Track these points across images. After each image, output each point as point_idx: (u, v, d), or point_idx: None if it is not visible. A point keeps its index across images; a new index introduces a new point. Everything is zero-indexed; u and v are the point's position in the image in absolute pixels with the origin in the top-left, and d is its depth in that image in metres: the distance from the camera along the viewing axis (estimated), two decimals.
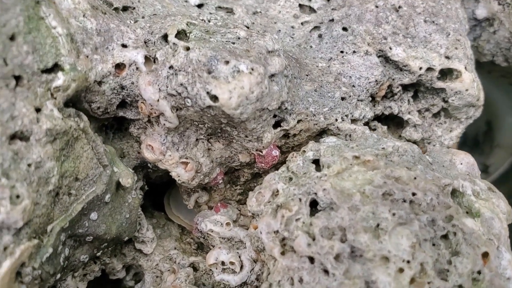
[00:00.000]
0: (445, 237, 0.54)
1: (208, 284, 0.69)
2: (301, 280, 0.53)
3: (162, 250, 0.71)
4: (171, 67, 0.57)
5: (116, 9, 0.66)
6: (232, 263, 0.62)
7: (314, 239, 0.53)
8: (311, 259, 0.53)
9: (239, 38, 0.60)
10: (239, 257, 0.62)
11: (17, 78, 0.48)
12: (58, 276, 0.56)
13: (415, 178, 0.57)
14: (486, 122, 1.54)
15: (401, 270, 0.51)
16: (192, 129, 0.63)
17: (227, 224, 0.66)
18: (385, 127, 0.76)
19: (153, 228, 0.73)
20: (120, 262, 0.69)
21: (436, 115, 0.77)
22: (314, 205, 0.56)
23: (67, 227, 0.54)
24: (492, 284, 0.52)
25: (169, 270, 0.69)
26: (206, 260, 0.63)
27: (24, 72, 0.49)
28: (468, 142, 1.55)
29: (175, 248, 0.71)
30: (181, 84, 0.56)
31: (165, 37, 0.60)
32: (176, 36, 0.59)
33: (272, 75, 0.60)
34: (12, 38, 0.48)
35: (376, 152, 0.60)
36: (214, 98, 0.55)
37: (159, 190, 0.77)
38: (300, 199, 0.56)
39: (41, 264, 0.51)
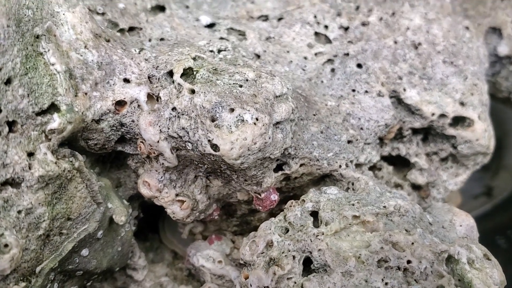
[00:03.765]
0: None
1: None
2: None
3: (153, 276, 0.70)
4: (174, 108, 0.55)
5: (121, 30, 0.64)
6: None
7: None
8: None
9: (247, 80, 0.58)
10: None
11: (11, 124, 0.47)
12: None
13: (412, 243, 0.55)
14: (496, 138, 1.51)
15: None
16: (192, 167, 0.61)
17: (219, 261, 0.65)
18: (391, 167, 0.74)
19: (146, 250, 0.72)
20: (111, 286, 0.69)
21: (443, 160, 0.75)
22: (308, 263, 0.55)
23: (56, 267, 0.53)
24: None
25: None
26: None
27: (18, 117, 0.47)
28: None
29: (166, 275, 0.71)
30: (183, 128, 0.55)
31: (170, 73, 0.58)
32: (182, 74, 0.57)
33: (278, 123, 0.58)
34: (7, 82, 0.46)
35: (377, 211, 0.58)
36: (215, 147, 0.54)
37: (155, 212, 0.76)
38: (294, 257, 0.55)
39: None
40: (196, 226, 0.71)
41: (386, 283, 0.53)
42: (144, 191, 0.61)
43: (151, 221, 0.77)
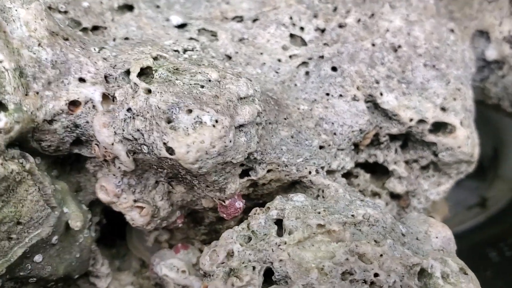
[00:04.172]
0: None
1: None
2: None
3: (118, 284, 0.67)
4: (129, 109, 0.53)
5: (85, 29, 0.61)
6: None
7: None
8: None
9: (210, 80, 0.56)
10: None
11: None
12: None
13: (381, 255, 0.52)
14: (492, 148, 1.48)
15: None
16: (152, 171, 0.58)
17: (183, 271, 0.62)
18: (368, 175, 0.71)
19: (112, 257, 0.69)
20: None
21: (424, 168, 0.72)
22: (269, 275, 0.52)
23: (4, 273, 0.51)
24: None
25: None
26: None
27: None
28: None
29: (132, 284, 0.68)
30: (138, 130, 0.52)
31: (127, 72, 0.55)
32: (139, 73, 0.54)
33: (241, 126, 0.55)
34: None
35: (345, 220, 0.55)
36: (171, 150, 0.51)
37: (123, 218, 0.73)
38: (253, 268, 0.52)
39: None
40: (162, 234, 0.69)
41: None
42: (102, 196, 0.59)
43: (118, 227, 0.74)
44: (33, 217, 0.53)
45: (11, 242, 0.51)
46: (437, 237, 0.59)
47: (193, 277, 0.62)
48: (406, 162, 0.72)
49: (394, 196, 0.72)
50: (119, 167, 0.56)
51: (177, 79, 0.54)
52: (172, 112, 0.51)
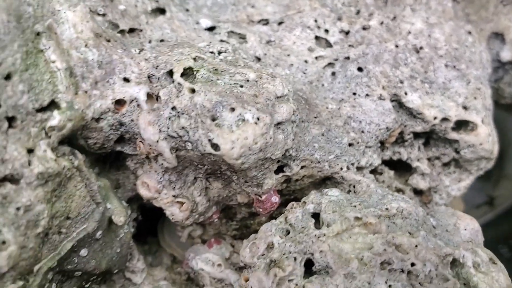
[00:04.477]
0: None
1: None
2: None
3: (151, 279, 0.69)
4: (173, 108, 0.55)
5: (122, 31, 0.64)
6: None
7: None
8: None
9: (248, 80, 0.58)
10: None
11: (10, 119, 0.46)
12: None
13: (416, 246, 0.54)
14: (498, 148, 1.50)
15: None
16: (191, 168, 0.60)
17: (219, 265, 0.64)
18: (392, 172, 0.74)
19: (144, 254, 0.71)
20: None
21: (446, 164, 0.75)
22: (309, 265, 0.55)
23: (55, 266, 0.53)
24: None
25: None
26: None
27: (18, 113, 0.47)
28: None
29: (165, 279, 0.70)
30: (183, 128, 0.54)
31: (170, 73, 0.57)
32: (182, 74, 0.56)
33: (279, 123, 0.57)
34: (7, 77, 0.46)
35: (379, 213, 0.57)
36: (216, 146, 0.53)
37: (154, 215, 0.75)
38: (295, 258, 0.54)
39: None
40: (195, 229, 0.71)
41: (390, 286, 0.52)
42: (143, 192, 0.60)
43: (150, 224, 0.76)
44: (81, 212, 0.55)
45: (61, 236, 0.53)
46: (465, 229, 0.61)
47: (229, 271, 0.64)
48: (429, 159, 0.74)
49: (417, 192, 0.75)
50: (162, 164, 0.58)
51: (218, 79, 0.57)
52: (216, 110, 0.53)
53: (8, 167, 0.46)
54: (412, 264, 0.53)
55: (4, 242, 0.45)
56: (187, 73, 0.58)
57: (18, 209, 0.47)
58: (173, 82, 0.56)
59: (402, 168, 0.75)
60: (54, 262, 0.52)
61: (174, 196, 0.61)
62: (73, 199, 0.53)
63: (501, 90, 0.88)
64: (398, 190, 0.74)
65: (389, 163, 0.74)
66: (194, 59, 0.59)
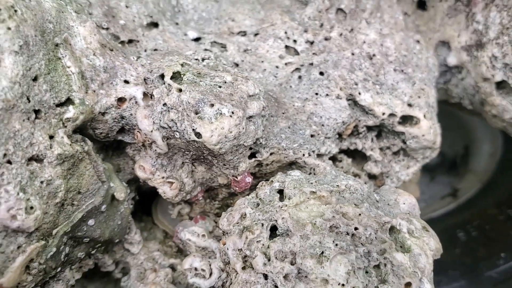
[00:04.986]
0: (377, 267, 0.65)
1: (183, 284, 0.80)
2: None
3: (147, 250, 0.82)
4: (164, 104, 0.68)
5: (122, 42, 0.77)
6: (203, 269, 0.73)
7: (269, 260, 0.64)
8: (265, 276, 0.64)
9: (225, 82, 0.71)
10: (210, 265, 0.74)
11: (36, 112, 0.59)
12: (59, 269, 0.67)
13: (359, 214, 0.68)
14: (464, 146, 1.65)
15: None
16: (179, 154, 0.74)
17: (203, 235, 0.77)
18: (350, 160, 0.87)
19: (140, 231, 0.84)
20: (111, 258, 0.81)
21: (395, 153, 0.88)
22: (274, 230, 0.68)
23: (68, 231, 0.66)
24: None
25: (151, 268, 0.80)
26: (182, 264, 0.75)
27: (42, 107, 0.60)
28: (445, 163, 1.66)
29: (158, 250, 0.83)
30: (172, 120, 0.68)
31: (162, 76, 0.71)
32: (171, 77, 0.70)
33: (250, 117, 0.71)
34: (35, 79, 0.59)
35: (331, 189, 0.71)
36: (198, 134, 0.66)
37: (148, 198, 0.88)
38: (262, 224, 0.67)
39: (46, 260, 0.63)
40: (184, 207, 0.84)
41: (336, 244, 0.65)
42: (140, 174, 0.74)
43: (145, 205, 0.89)
44: (89, 189, 0.68)
45: (74, 207, 0.66)
46: (404, 203, 0.75)
47: (211, 240, 0.77)
48: (381, 149, 0.88)
49: (371, 176, 0.88)
50: (155, 150, 0.72)
51: (200, 81, 0.70)
52: (199, 106, 0.67)
53: (34, 149, 0.59)
54: (356, 228, 0.67)
55: (32, 208, 0.58)
56: (176, 76, 0.71)
57: (42, 182, 0.60)
58: (164, 83, 0.70)
59: (358, 156, 0.89)
60: (68, 228, 0.65)
61: (165, 177, 0.74)
62: (84, 177, 0.66)
63: (450, 91, 1.02)
64: (355, 175, 0.88)
65: (347, 152, 0.88)
66: (182, 65, 0.73)
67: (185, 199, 0.77)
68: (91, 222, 0.70)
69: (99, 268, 0.82)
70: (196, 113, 0.67)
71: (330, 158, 0.84)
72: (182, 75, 0.71)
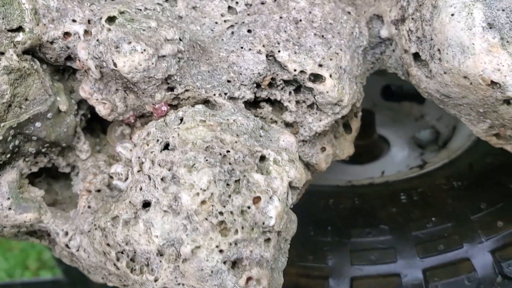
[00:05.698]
0: (237, 182, 0.82)
1: (117, 188, 1.01)
2: (141, 188, 0.84)
3: (94, 159, 1.04)
4: (97, 40, 0.88)
5: None
6: (121, 174, 0.94)
7: (153, 165, 0.83)
8: (149, 177, 0.83)
9: (150, 27, 0.90)
10: (128, 171, 0.94)
11: None
12: (8, 156, 0.90)
13: (236, 142, 0.84)
14: (453, 127, 1.73)
15: (197, 194, 0.80)
16: (113, 82, 0.94)
17: (130, 150, 0.97)
18: (270, 108, 1.03)
19: (95, 145, 1.06)
20: (64, 161, 1.03)
21: (310, 106, 1.02)
22: (167, 147, 0.86)
23: (15, 127, 0.88)
24: (254, 216, 0.80)
25: (94, 173, 1.02)
26: (110, 169, 0.96)
27: None
28: (439, 142, 1.75)
29: (104, 161, 1.04)
30: (101, 52, 0.87)
31: (101, 19, 0.90)
32: (107, 20, 0.89)
33: (163, 56, 0.89)
34: None
35: (221, 121, 0.88)
36: (115, 64, 0.86)
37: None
38: (157, 140, 0.86)
39: None
40: (125, 129, 1.04)
41: (207, 160, 0.82)
42: (82, 94, 0.95)
43: (104, 126, 1.10)
44: (36, 98, 0.89)
45: (21, 110, 0.88)
46: (283, 141, 0.90)
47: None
48: (297, 102, 1.03)
49: (287, 124, 1.03)
50: (92, 76, 0.92)
51: (128, 25, 0.89)
52: (119, 42, 0.86)
53: None
54: (228, 151, 0.83)
55: None
56: (112, 19, 0.90)
57: None
58: (100, 24, 0.89)
59: (278, 106, 1.04)
60: (14, 124, 0.87)
61: (99, 99, 0.94)
62: (31, 88, 0.88)
63: (385, 61, 1.13)
64: (273, 122, 1.03)
65: (270, 102, 1.04)
66: (122, 12, 0.92)
67: (118, 119, 0.97)
68: (38, 124, 0.91)
69: (58, 169, 1.05)
70: (116, 48, 0.86)
71: (249, 104, 1.00)
72: (116, 20, 0.90)
